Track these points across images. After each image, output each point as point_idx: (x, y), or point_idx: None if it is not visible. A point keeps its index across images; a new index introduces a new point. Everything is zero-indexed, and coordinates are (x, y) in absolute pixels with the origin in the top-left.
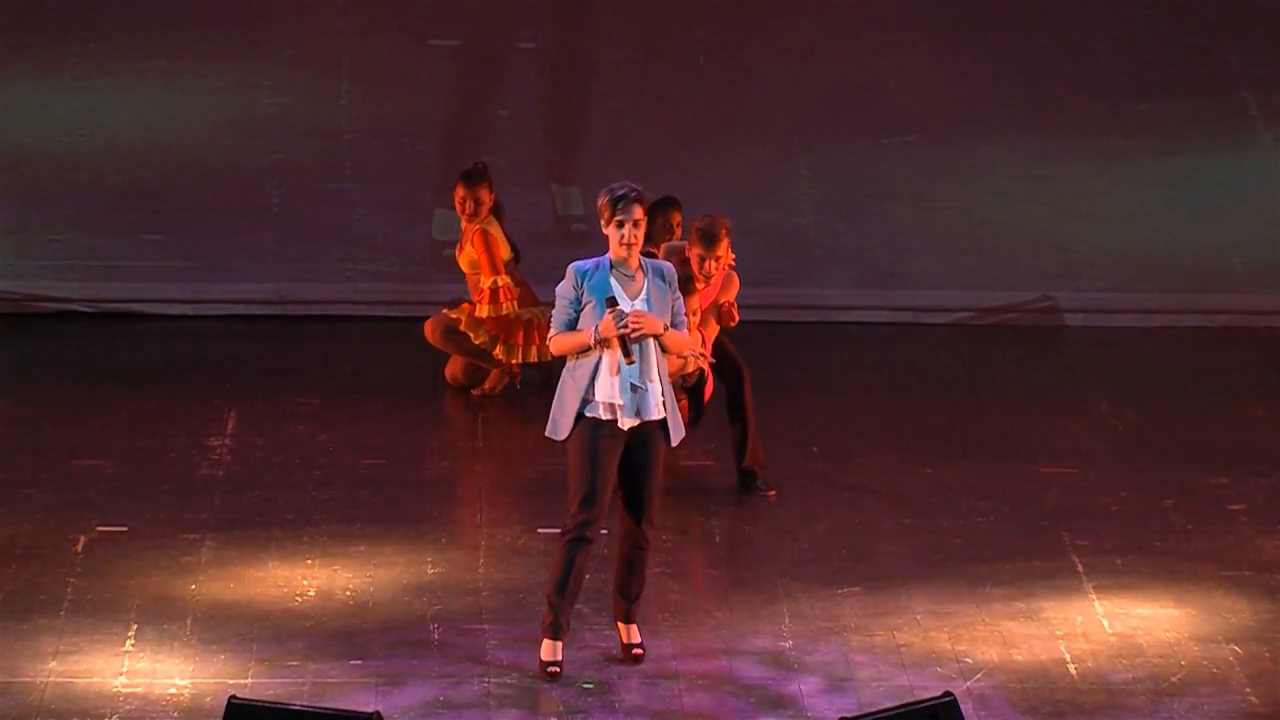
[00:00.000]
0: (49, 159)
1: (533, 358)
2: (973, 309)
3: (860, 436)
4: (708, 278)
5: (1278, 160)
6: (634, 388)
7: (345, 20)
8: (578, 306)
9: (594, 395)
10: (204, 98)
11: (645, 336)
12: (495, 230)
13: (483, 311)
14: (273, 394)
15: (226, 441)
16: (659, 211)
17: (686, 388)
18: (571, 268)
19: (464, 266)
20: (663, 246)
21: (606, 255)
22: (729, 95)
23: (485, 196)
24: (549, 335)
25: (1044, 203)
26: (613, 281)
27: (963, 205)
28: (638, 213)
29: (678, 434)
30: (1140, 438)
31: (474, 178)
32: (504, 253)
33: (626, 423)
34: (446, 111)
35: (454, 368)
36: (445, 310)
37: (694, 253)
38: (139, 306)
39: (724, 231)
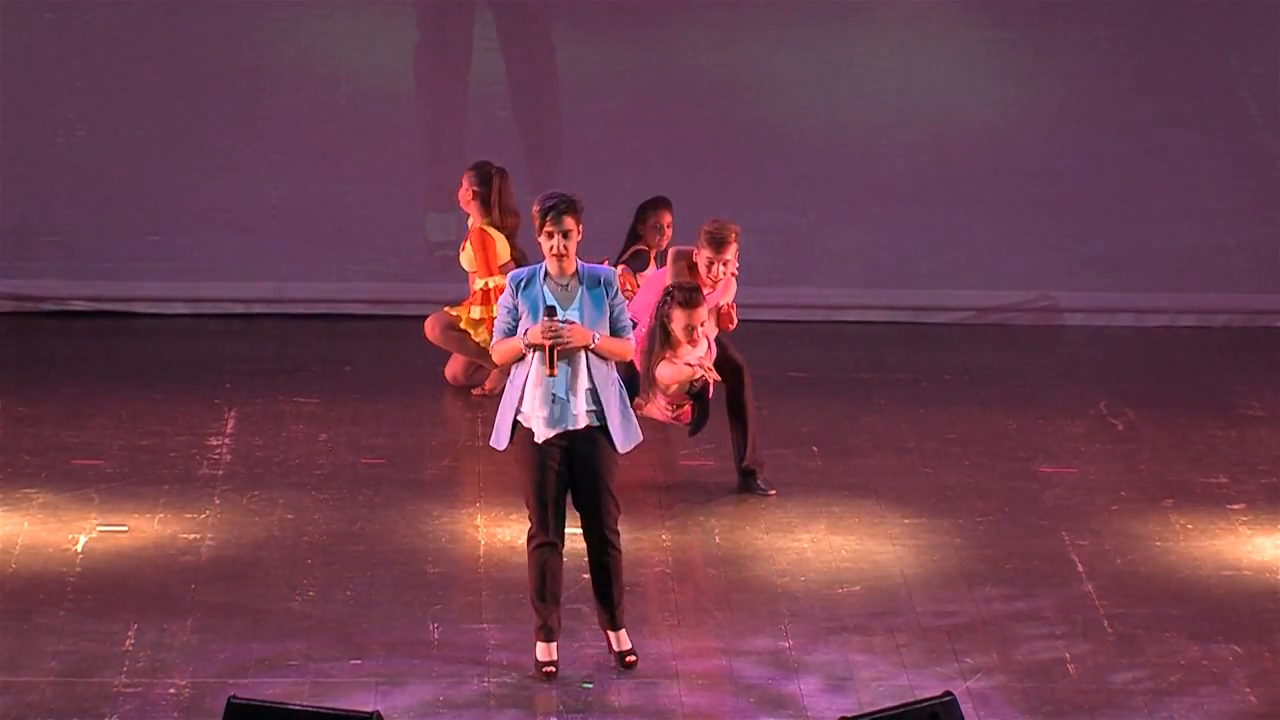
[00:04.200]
0: (49, 159)
1: None
2: (973, 309)
3: (860, 436)
4: (715, 281)
5: (1278, 160)
6: (554, 399)
7: (345, 20)
8: (516, 315)
9: (523, 406)
10: (204, 98)
11: (572, 348)
12: (494, 232)
13: (474, 313)
14: (273, 394)
15: (226, 441)
16: (649, 212)
17: (692, 394)
18: (509, 277)
19: (464, 264)
20: (670, 250)
21: (543, 264)
22: (728, 95)
23: (476, 190)
24: (491, 344)
25: (1044, 203)
26: (546, 291)
27: (963, 205)
28: (568, 223)
29: (627, 441)
30: (1140, 438)
31: (474, 168)
32: (503, 254)
33: (543, 435)
34: (446, 112)
35: (454, 368)
36: (446, 309)
37: (702, 255)
38: (139, 306)
39: (733, 236)
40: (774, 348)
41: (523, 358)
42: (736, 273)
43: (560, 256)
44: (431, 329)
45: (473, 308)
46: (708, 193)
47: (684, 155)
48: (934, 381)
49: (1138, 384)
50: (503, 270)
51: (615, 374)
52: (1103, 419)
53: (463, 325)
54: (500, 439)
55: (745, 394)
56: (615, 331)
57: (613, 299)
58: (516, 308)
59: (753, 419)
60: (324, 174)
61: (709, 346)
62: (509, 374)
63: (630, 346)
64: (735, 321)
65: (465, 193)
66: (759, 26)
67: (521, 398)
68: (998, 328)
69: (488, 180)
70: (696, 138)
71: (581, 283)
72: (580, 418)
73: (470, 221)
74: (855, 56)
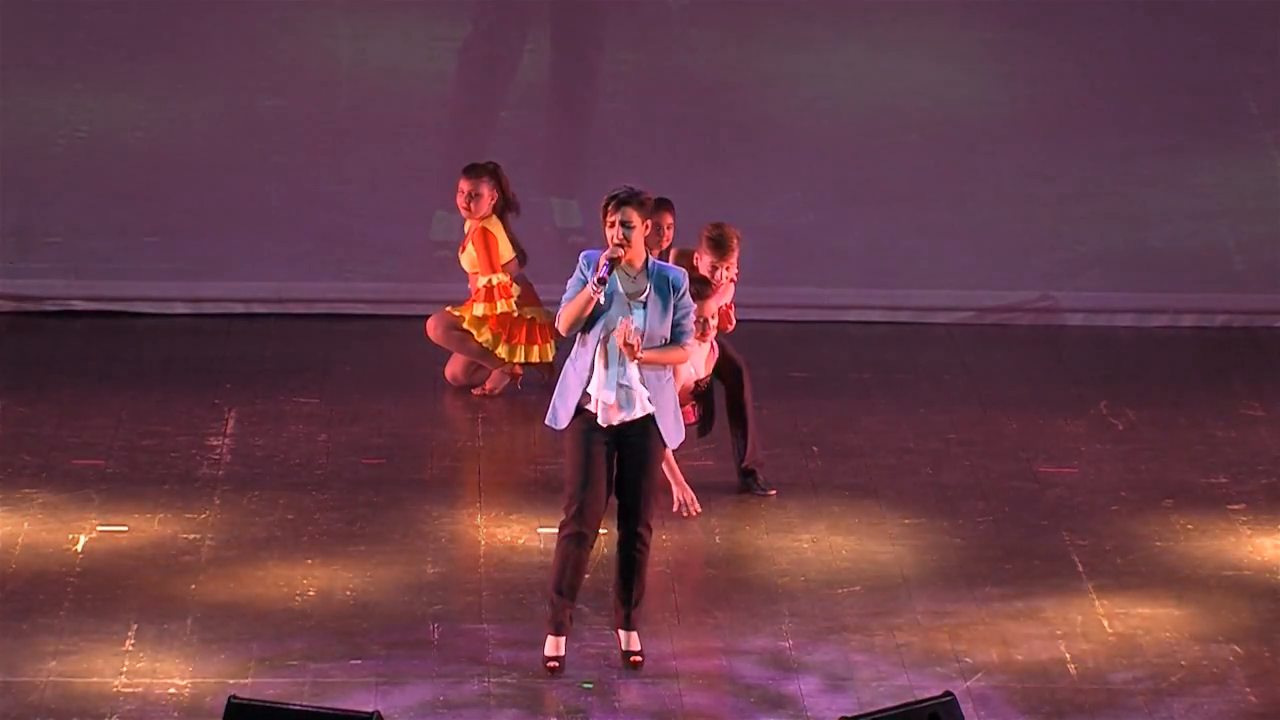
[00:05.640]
0: (49, 159)
1: (534, 358)
2: (973, 309)
3: (860, 436)
4: (716, 286)
5: (1278, 160)
6: (620, 386)
7: (345, 20)
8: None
9: (589, 387)
10: (204, 98)
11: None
12: (496, 229)
13: (477, 310)
14: (273, 394)
15: (226, 441)
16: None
17: (696, 395)
18: (581, 255)
19: (464, 265)
20: (673, 251)
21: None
22: (729, 95)
23: (485, 191)
24: (557, 314)
25: (1044, 203)
26: (615, 279)
27: (963, 205)
28: (627, 213)
29: (676, 437)
30: (1140, 438)
31: (475, 171)
32: (505, 252)
33: (606, 419)
34: (446, 112)
35: (454, 367)
36: (448, 308)
37: (705, 261)
38: (139, 306)
39: (735, 242)
40: (774, 348)
41: (586, 329)
42: (736, 278)
43: (620, 246)
44: (434, 329)
45: (475, 305)
46: (708, 193)
47: (684, 155)
48: (934, 381)
49: (1138, 384)
50: (506, 269)
51: (669, 370)
52: (1103, 419)
53: (465, 325)
54: (559, 419)
55: (745, 394)
56: (676, 334)
57: (679, 299)
58: (586, 280)
59: (753, 419)
60: (324, 174)
61: (711, 348)
62: (570, 354)
63: (685, 354)
64: (734, 322)
65: (482, 202)
66: (759, 27)
67: (589, 379)
68: (998, 328)
69: (499, 179)
70: (696, 138)
71: (650, 279)
72: (639, 404)
73: (468, 224)
74: (855, 56)
